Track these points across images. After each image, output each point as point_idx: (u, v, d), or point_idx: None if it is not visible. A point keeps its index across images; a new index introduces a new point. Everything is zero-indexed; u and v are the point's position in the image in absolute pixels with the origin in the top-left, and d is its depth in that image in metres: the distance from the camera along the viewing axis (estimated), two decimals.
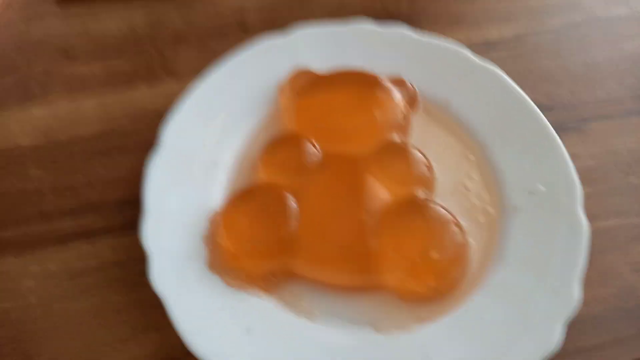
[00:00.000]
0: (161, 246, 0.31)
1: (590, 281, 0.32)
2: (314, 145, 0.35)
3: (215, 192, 0.34)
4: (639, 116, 0.39)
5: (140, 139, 0.38)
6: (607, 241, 0.34)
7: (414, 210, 0.32)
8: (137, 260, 0.33)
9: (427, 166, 0.34)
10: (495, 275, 0.31)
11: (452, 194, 0.35)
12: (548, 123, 0.36)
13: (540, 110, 0.36)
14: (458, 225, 0.32)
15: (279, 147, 0.35)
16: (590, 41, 0.43)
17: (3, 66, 0.43)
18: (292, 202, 0.32)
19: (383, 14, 0.45)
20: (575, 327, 0.30)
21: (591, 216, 0.33)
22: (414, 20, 0.45)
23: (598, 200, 0.35)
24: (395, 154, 0.35)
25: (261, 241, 0.32)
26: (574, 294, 0.29)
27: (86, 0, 0.46)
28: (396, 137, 0.35)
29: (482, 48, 0.43)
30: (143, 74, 0.42)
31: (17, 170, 0.37)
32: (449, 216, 0.32)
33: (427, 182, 0.34)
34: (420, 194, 0.33)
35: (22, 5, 0.47)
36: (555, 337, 0.28)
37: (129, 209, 0.36)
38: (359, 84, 0.37)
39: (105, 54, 0.43)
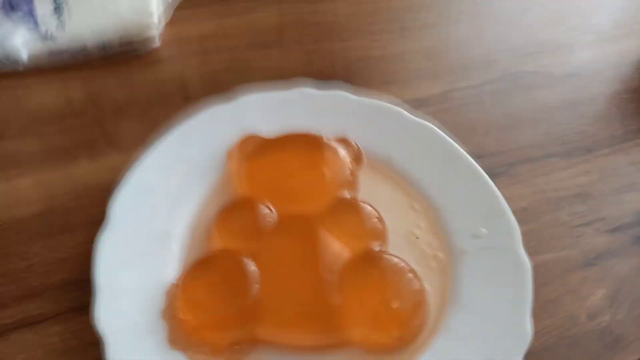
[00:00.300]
0: (117, 327, 0.30)
1: (537, 313, 0.34)
2: (268, 208, 0.35)
3: (170, 264, 0.34)
4: (558, 157, 0.44)
5: (83, 215, 0.37)
6: (546, 274, 0.37)
7: (370, 263, 0.33)
8: (88, 345, 0.32)
9: (378, 219, 0.36)
10: (453, 318, 0.33)
11: (403, 243, 0.36)
12: (482, 170, 0.39)
13: (472, 158, 0.39)
14: (413, 272, 0.33)
15: (233, 212, 0.35)
16: (508, 94, 0.48)
17: None
18: (252, 267, 0.32)
19: (320, 78, 0.48)
20: (528, 357, 0.32)
21: (530, 252, 0.36)
22: (348, 81, 0.48)
23: (534, 237, 0.38)
24: (347, 209, 0.36)
25: (223, 311, 0.31)
26: (527, 328, 0.31)
27: (18, 73, 0.45)
28: (346, 194, 0.37)
29: (413, 104, 0.46)
30: (84, 148, 0.41)
31: None
32: (405, 265, 0.33)
33: (380, 234, 0.35)
34: (375, 246, 0.34)
35: None
36: None
37: (75, 291, 0.34)
38: (306, 145, 0.38)
39: (42, 129, 0.42)
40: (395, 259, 0.33)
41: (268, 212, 0.35)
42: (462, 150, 0.40)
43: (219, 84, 0.47)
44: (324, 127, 0.40)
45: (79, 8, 0.47)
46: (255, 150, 0.38)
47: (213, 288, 0.31)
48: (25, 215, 0.37)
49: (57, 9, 0.47)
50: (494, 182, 0.38)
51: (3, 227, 0.36)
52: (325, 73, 0.49)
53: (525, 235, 0.38)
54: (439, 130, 0.41)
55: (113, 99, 0.44)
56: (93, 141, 0.41)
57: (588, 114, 0.47)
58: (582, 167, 0.43)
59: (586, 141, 0.45)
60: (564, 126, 0.46)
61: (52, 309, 0.33)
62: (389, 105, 0.42)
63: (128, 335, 0.30)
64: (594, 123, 0.47)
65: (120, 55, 0.47)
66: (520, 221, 0.37)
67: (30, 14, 0.46)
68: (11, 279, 0.34)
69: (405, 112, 0.42)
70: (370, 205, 0.36)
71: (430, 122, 0.41)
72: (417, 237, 0.37)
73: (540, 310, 0.35)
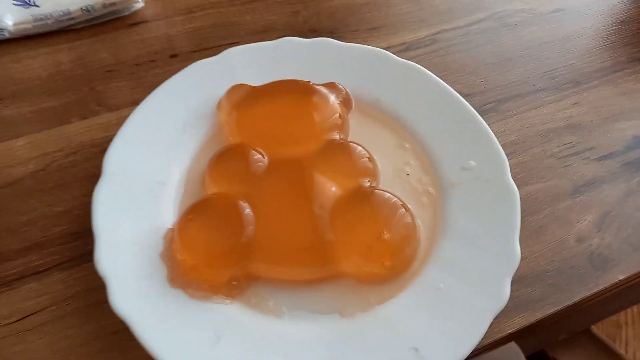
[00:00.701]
0: (118, 270, 0.31)
1: (526, 240, 0.35)
2: (259, 153, 0.36)
3: (166, 211, 0.34)
4: (546, 91, 0.44)
5: (78, 171, 0.38)
6: (535, 203, 0.37)
7: (362, 198, 0.34)
8: (91, 290, 0.33)
9: (368, 158, 0.36)
10: (443, 248, 0.33)
11: (394, 180, 0.37)
12: (470, 106, 0.39)
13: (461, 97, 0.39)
14: (404, 206, 0.34)
15: (225, 159, 0.36)
16: (495, 33, 0.48)
17: None
18: (246, 208, 0.33)
19: (306, 30, 0.48)
20: (519, 282, 0.33)
21: (519, 183, 0.36)
22: (335, 32, 0.48)
23: (523, 169, 0.39)
24: (338, 150, 0.36)
25: (219, 250, 0.32)
26: (516, 252, 0.32)
27: (5, 42, 0.45)
28: (336, 136, 0.37)
29: (401, 49, 0.46)
30: (75, 109, 0.41)
31: None
32: (396, 199, 0.34)
33: (371, 172, 0.36)
34: (366, 183, 0.35)
35: None
36: (505, 292, 0.31)
37: (74, 241, 0.35)
38: (294, 91, 0.39)
39: (33, 96, 0.42)
40: (386, 194, 0.34)
41: (259, 157, 0.36)
42: (450, 89, 0.40)
43: (205, 40, 0.47)
44: (312, 74, 0.40)
45: None
46: (244, 98, 0.38)
47: (208, 229, 0.32)
48: (21, 174, 0.38)
49: None
50: (484, 119, 0.38)
51: (1, 187, 0.37)
52: (311, 23, 0.48)
53: (515, 167, 0.39)
54: (426, 71, 0.41)
55: (101, 61, 0.45)
56: (83, 102, 0.42)
57: (576, 49, 0.47)
58: (571, 100, 0.43)
59: (575, 74, 0.45)
60: (552, 61, 0.46)
61: (54, 259, 0.34)
62: (376, 49, 0.42)
63: (129, 276, 0.31)
64: (582, 57, 0.46)
65: (105, 17, 0.47)
66: (509, 154, 0.38)
67: None
68: (12, 233, 0.35)
69: (392, 54, 0.42)
70: (361, 146, 0.37)
71: (417, 64, 0.41)
72: (408, 174, 0.37)
73: (529, 237, 0.36)
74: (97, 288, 0.32)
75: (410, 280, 0.32)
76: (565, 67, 0.46)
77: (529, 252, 0.35)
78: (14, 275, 0.33)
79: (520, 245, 0.32)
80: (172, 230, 0.33)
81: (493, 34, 0.48)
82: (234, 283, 0.32)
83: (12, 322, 0.31)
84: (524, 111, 0.42)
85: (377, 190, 0.34)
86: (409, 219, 0.33)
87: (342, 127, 0.38)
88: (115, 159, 0.35)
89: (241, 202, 0.33)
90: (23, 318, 0.32)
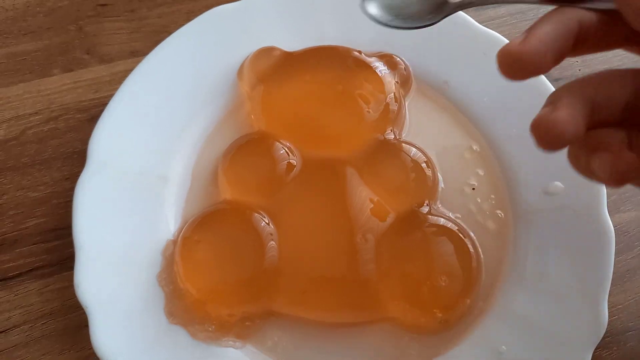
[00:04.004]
0: (103, 298, 0.25)
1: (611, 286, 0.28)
2: (289, 150, 0.28)
3: (167, 217, 0.27)
4: None
5: (59, 144, 0.31)
6: (624, 238, 0.30)
7: (415, 228, 0.27)
8: (73, 308, 0.27)
9: (428, 168, 0.28)
10: (510, 298, 0.27)
11: (455, 196, 0.29)
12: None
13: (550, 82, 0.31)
14: (472, 243, 0.27)
15: (245, 153, 0.28)
16: None
17: None
18: (269, 227, 0.26)
19: None
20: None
21: (609, 210, 0.28)
22: None
23: (614, 191, 0.31)
24: (389, 155, 0.28)
25: (232, 282, 0.25)
26: (603, 316, 0.25)
27: None
28: (390, 134, 0.29)
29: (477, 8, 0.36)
30: (58, 58, 0.33)
31: None
32: (459, 233, 0.27)
33: (429, 188, 0.28)
34: (423, 205, 0.27)
35: None
36: None
37: (53, 240, 0.29)
38: (340, 65, 0.30)
39: (4, 33, 0.34)
40: (448, 224, 0.27)
41: (288, 154, 0.28)
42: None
43: None
44: (362, 38, 0.31)
45: None
46: (274, 68, 0.30)
47: (220, 252, 0.26)
48: None
49: None
50: None
51: None
52: None
53: None
54: None
55: None
56: (69, 47, 0.33)
57: None
58: None
59: None
60: None
61: (28, 262, 0.28)
62: None
63: (117, 307, 0.25)
64: None
65: None
66: None
67: None
68: None
69: (468, 17, 0.32)
70: (418, 148, 0.29)
71: (498, 32, 0.32)
72: (474, 189, 0.30)
73: (613, 283, 0.28)
74: (79, 306, 0.26)
75: (464, 335, 0.26)
76: None
77: (610, 302, 0.28)
78: None
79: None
80: (173, 243, 0.26)
81: None
82: (248, 323, 0.26)
83: None
84: None
85: (438, 219, 0.27)
86: (474, 263, 0.26)
87: (397, 116, 0.30)
88: (104, 142, 0.28)
89: (262, 219, 0.26)
90: None
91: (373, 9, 0.24)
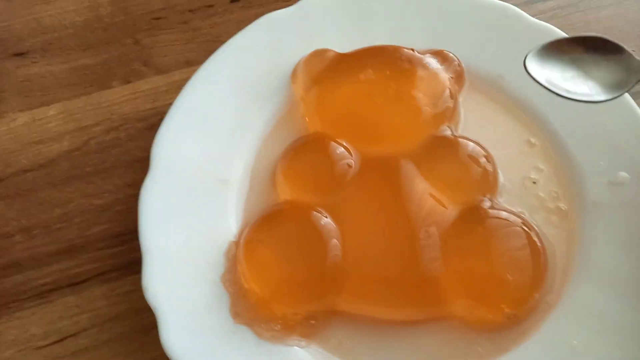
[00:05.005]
0: (172, 300, 0.25)
1: None
2: (346, 149, 0.28)
3: (228, 218, 0.28)
4: None
5: (121, 153, 0.32)
6: None
7: (479, 222, 0.26)
8: (138, 311, 0.27)
9: (487, 162, 0.28)
10: (579, 290, 0.26)
11: (516, 191, 0.29)
12: (627, 93, 0.29)
13: None
14: (538, 237, 0.26)
15: (303, 154, 0.28)
16: None
17: None
18: (331, 225, 0.26)
19: None
20: None
21: None
22: None
23: None
24: (447, 151, 0.28)
25: (298, 281, 0.25)
26: None
27: None
28: (446, 130, 0.29)
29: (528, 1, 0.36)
30: (116, 68, 0.34)
31: None
32: (526, 226, 0.26)
33: (489, 182, 0.28)
34: (484, 200, 0.27)
35: None
36: None
37: (118, 245, 0.29)
38: (395, 64, 0.30)
39: (66, 49, 0.35)
40: (513, 218, 0.26)
41: (346, 154, 0.28)
42: None
43: None
44: (415, 37, 0.31)
45: None
46: (328, 70, 0.30)
47: (283, 252, 0.26)
48: (55, 154, 0.31)
49: None
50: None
51: (32, 169, 0.31)
52: None
53: None
54: (568, 38, 0.31)
55: (146, 4, 0.36)
56: (126, 60, 0.34)
57: None
58: None
59: None
60: None
61: (94, 267, 0.28)
62: (502, 3, 0.32)
63: (185, 309, 0.25)
64: None
65: None
66: None
67: None
68: (46, 230, 0.29)
69: (520, 11, 0.32)
70: (476, 142, 0.28)
71: (554, 26, 0.31)
72: (534, 182, 0.29)
73: None
74: (145, 308, 0.26)
75: (534, 330, 0.25)
76: None
77: None
78: (49, 285, 0.28)
79: None
80: (235, 244, 0.27)
81: None
82: (312, 322, 0.25)
83: (48, 344, 0.27)
84: None
85: (501, 213, 0.26)
86: (541, 256, 0.25)
87: (452, 113, 0.30)
88: (166, 149, 0.28)
89: (324, 218, 0.26)
90: (60, 340, 0.27)
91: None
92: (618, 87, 0.25)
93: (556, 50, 0.26)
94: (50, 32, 0.35)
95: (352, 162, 0.28)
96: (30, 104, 0.33)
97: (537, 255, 0.26)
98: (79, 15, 0.36)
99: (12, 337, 0.27)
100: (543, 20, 0.32)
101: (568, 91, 0.25)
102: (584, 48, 0.26)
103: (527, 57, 0.26)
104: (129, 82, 0.33)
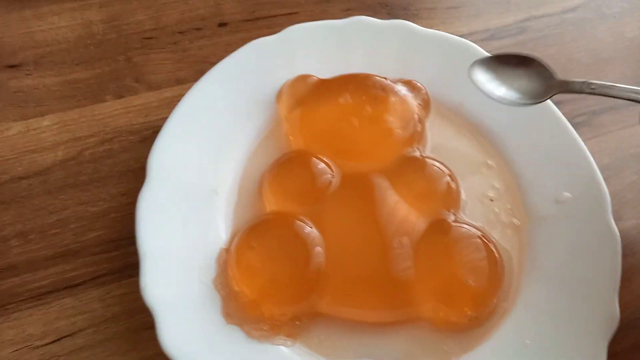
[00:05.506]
0: (168, 300, 0.27)
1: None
2: (327, 165, 0.31)
3: (218, 225, 0.30)
4: None
5: (114, 163, 0.33)
6: (628, 243, 0.33)
7: (445, 234, 0.30)
8: (132, 312, 0.29)
9: (451, 180, 0.31)
10: (530, 295, 0.30)
11: (476, 206, 0.32)
12: (567, 122, 0.34)
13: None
14: (495, 247, 0.29)
15: (288, 169, 0.31)
16: (590, 26, 0.42)
17: None
18: (315, 233, 0.29)
19: (376, 4, 0.41)
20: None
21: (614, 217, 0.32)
22: (409, 9, 0.41)
23: (617, 201, 0.34)
24: (416, 169, 0.31)
25: (284, 283, 0.28)
26: (615, 312, 0.28)
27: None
28: (415, 151, 0.32)
29: (483, 36, 0.40)
30: (110, 85, 0.36)
31: None
32: (484, 238, 0.30)
33: (453, 198, 0.31)
34: (449, 214, 0.30)
35: None
36: (601, 357, 0.27)
37: (113, 250, 0.31)
38: (368, 89, 0.33)
39: (59, 63, 0.36)
40: (473, 231, 0.30)
41: (327, 168, 0.31)
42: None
43: (260, 6, 0.40)
44: (386, 66, 0.35)
45: None
46: (310, 93, 0.33)
47: (271, 257, 0.28)
48: (49, 162, 0.33)
49: None
50: None
51: (27, 176, 0.32)
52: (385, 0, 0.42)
53: None
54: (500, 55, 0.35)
55: (138, 24, 0.38)
56: (119, 75, 0.36)
57: None
58: None
59: None
60: None
61: (90, 270, 0.30)
62: (462, 40, 0.36)
63: (180, 309, 0.27)
64: None
65: None
66: None
67: None
68: (42, 235, 0.31)
69: (478, 47, 0.36)
70: (441, 163, 0.32)
71: None
72: (492, 200, 0.33)
73: (623, 283, 0.32)
74: (139, 310, 0.29)
75: (492, 331, 0.29)
76: None
77: (622, 300, 0.31)
78: (46, 287, 0.29)
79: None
80: (226, 251, 0.29)
81: (588, 26, 0.42)
82: (297, 323, 0.28)
83: (46, 344, 0.28)
84: (621, 128, 0.37)
85: (463, 226, 0.30)
86: (498, 264, 0.29)
87: (420, 135, 0.33)
88: (161, 160, 0.30)
89: (308, 227, 0.29)
90: (57, 340, 0.28)
91: (500, 92, 0.32)
92: (539, 95, 0.31)
93: (494, 64, 0.32)
94: (43, 47, 0.36)
95: (332, 176, 0.31)
96: (24, 114, 0.34)
97: (494, 264, 0.29)
98: (71, 31, 0.37)
99: (10, 337, 0.28)
100: (498, 52, 0.36)
101: (501, 97, 0.31)
102: (513, 63, 0.32)
103: (471, 70, 0.32)
104: (121, 96, 0.35)
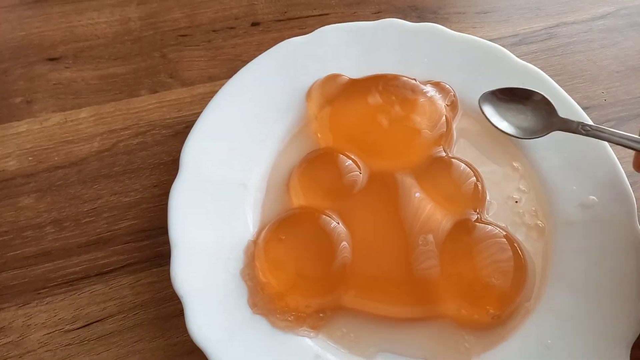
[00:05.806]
0: (197, 289, 0.27)
1: None
2: (355, 162, 0.31)
3: (247, 218, 0.31)
4: None
5: (148, 156, 0.34)
6: None
7: (470, 233, 0.30)
8: (161, 300, 0.30)
9: (477, 181, 0.32)
10: (554, 296, 0.30)
11: (501, 208, 0.32)
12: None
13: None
14: (519, 247, 0.30)
15: (317, 166, 0.31)
16: (621, 34, 0.42)
17: None
18: (341, 228, 0.29)
19: (406, 7, 0.41)
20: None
21: None
22: (439, 13, 0.41)
23: None
24: (443, 169, 0.32)
25: (310, 276, 0.28)
26: (638, 315, 0.28)
27: None
28: (442, 151, 0.32)
29: (512, 41, 0.40)
30: (145, 80, 0.37)
31: (5, 200, 0.32)
32: (509, 238, 0.30)
33: (478, 198, 0.31)
34: (474, 213, 0.31)
35: None
36: None
37: (144, 240, 0.31)
38: (398, 90, 0.33)
39: (97, 58, 0.37)
40: (498, 231, 0.30)
41: (354, 166, 0.31)
42: (573, 101, 0.35)
43: (292, 7, 0.41)
44: (416, 67, 0.35)
45: None
46: (340, 92, 0.33)
47: (298, 250, 0.29)
48: (85, 153, 0.34)
49: None
50: None
51: (63, 166, 0.33)
52: (416, 4, 0.42)
53: None
54: (547, 77, 0.35)
55: (173, 22, 0.39)
56: (154, 71, 0.37)
57: None
58: None
59: None
60: None
61: (121, 259, 0.31)
62: (492, 44, 0.36)
63: (209, 298, 0.28)
64: None
65: None
66: None
67: None
68: (76, 223, 0.32)
69: (508, 52, 0.36)
70: (467, 163, 0.32)
71: (535, 66, 0.36)
72: (517, 202, 0.33)
73: None
74: (167, 298, 0.29)
75: (514, 330, 0.29)
76: None
77: None
78: (78, 274, 0.30)
79: None
80: (254, 243, 0.30)
81: (619, 34, 0.42)
82: (321, 315, 0.29)
83: (76, 328, 0.29)
84: None
85: (489, 226, 0.30)
86: (522, 264, 0.29)
87: (447, 136, 0.34)
88: (194, 154, 0.31)
89: (335, 222, 0.29)
90: (87, 325, 0.29)
91: (502, 125, 0.34)
92: (537, 132, 0.33)
93: (495, 99, 0.34)
94: (82, 41, 0.38)
95: (360, 172, 0.31)
96: (63, 105, 0.35)
97: (519, 264, 0.29)
98: (109, 27, 0.38)
99: (42, 320, 0.29)
100: (526, 61, 0.36)
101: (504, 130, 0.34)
102: (518, 96, 0.34)
103: (480, 102, 0.34)
104: (156, 91, 0.36)
